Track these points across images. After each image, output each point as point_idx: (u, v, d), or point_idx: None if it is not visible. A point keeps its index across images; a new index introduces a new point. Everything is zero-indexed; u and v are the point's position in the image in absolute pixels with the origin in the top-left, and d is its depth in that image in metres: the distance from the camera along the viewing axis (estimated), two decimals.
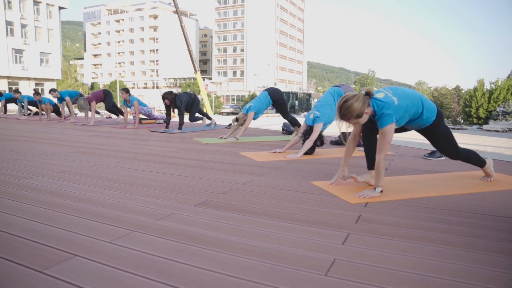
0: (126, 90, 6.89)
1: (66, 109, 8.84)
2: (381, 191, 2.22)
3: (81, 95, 8.24)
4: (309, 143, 3.75)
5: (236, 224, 1.68)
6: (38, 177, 2.59)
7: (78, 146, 4.33)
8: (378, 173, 2.21)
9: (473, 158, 2.58)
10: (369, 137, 2.41)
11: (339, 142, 4.82)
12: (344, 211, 1.93)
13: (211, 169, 3.03)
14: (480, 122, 31.90)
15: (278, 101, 5.20)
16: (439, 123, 2.38)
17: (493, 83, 33.90)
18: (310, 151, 3.81)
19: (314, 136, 3.77)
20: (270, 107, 5.27)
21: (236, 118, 5.07)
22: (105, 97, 7.83)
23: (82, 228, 1.57)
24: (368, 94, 2.18)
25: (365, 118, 2.19)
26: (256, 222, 1.72)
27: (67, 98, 8.17)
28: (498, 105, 31.57)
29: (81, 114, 8.10)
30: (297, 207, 1.98)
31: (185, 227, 1.62)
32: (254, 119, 5.04)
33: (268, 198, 2.15)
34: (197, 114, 6.88)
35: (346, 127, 2.32)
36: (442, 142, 2.44)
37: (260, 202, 2.05)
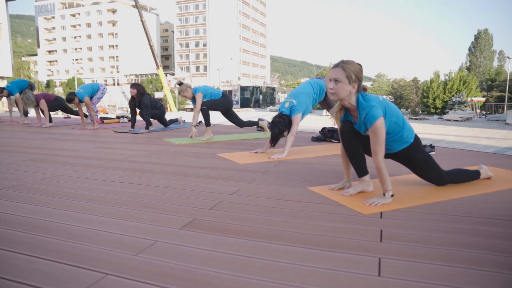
0: (69, 100, 6.22)
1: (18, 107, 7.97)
2: (392, 195, 1.97)
3: (31, 86, 7.31)
4: (291, 138, 3.48)
5: (239, 254, 1.32)
6: None
7: (31, 152, 3.77)
8: (382, 177, 1.97)
9: (463, 177, 2.37)
10: (352, 142, 2.20)
11: (320, 138, 4.56)
12: (361, 225, 1.63)
13: (190, 176, 2.64)
14: (437, 112, 33.19)
15: (229, 110, 5.07)
16: (418, 147, 2.19)
17: (447, 75, 35.34)
18: (275, 142, 3.50)
19: (294, 129, 3.49)
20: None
21: (180, 82, 4.88)
22: (53, 100, 7.04)
23: (32, 277, 1.16)
24: (365, 90, 2.12)
25: (348, 90, 1.99)
26: (263, 248, 1.37)
27: (17, 96, 7.27)
28: (453, 95, 32.91)
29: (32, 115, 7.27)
30: (305, 223, 1.65)
31: (175, 264, 1.25)
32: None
33: (266, 212, 1.81)
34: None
35: (333, 123, 2.25)
36: (421, 168, 2.23)
37: (259, 219, 1.71)
